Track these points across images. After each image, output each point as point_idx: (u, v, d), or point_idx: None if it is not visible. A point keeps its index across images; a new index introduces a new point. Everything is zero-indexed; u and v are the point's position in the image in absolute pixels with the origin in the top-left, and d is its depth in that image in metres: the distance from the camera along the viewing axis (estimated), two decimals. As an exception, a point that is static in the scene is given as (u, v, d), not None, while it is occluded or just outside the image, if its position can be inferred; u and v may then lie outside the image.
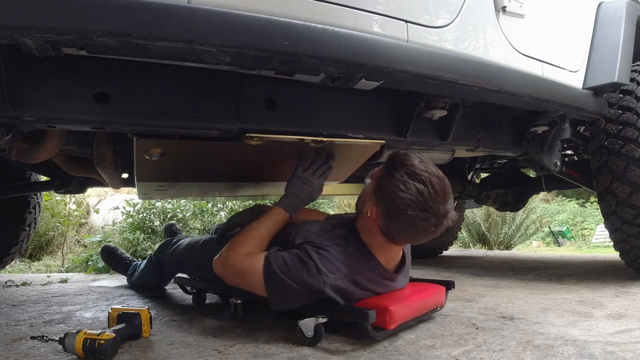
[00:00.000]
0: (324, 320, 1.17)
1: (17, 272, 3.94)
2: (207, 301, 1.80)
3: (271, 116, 1.12)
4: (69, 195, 4.97)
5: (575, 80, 1.67)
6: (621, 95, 1.89)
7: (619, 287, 1.93)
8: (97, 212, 6.06)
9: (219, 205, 4.85)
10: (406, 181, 1.11)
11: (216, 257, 1.30)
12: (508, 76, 1.32)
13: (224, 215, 4.83)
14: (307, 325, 1.16)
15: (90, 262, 3.68)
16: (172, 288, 2.09)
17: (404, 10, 1.12)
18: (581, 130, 2.28)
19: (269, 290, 1.19)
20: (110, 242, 4.32)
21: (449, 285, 1.49)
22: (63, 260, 4.60)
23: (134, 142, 1.07)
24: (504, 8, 1.38)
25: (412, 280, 1.59)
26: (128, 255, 2.38)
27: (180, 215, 4.50)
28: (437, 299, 1.43)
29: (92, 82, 0.92)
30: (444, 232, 1.20)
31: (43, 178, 2.28)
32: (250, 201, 4.73)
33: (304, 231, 1.30)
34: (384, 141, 1.33)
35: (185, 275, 1.80)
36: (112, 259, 2.34)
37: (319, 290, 1.15)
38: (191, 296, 1.79)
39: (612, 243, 2.10)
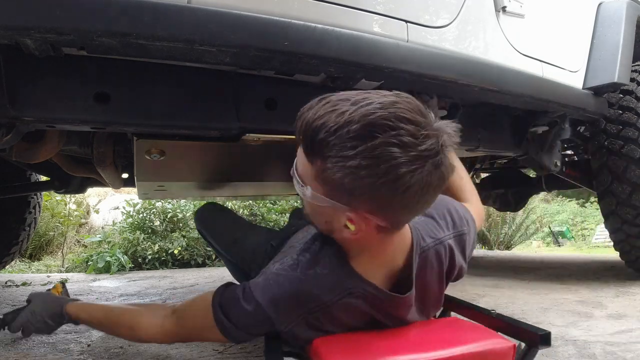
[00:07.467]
0: None
1: (17, 272, 3.94)
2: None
3: (271, 116, 1.12)
4: (69, 195, 4.96)
5: (575, 80, 1.67)
6: (621, 95, 1.89)
7: (619, 287, 1.93)
8: (97, 212, 6.05)
9: (218, 205, 4.84)
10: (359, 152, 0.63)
11: None
12: (508, 76, 1.32)
13: (223, 215, 4.81)
14: None
15: (90, 262, 3.68)
16: (171, 288, 2.08)
17: (404, 10, 1.12)
18: (581, 130, 2.27)
19: None
20: (111, 242, 4.29)
21: (536, 341, 0.77)
22: (63, 260, 4.60)
23: (134, 142, 1.08)
24: (504, 8, 1.38)
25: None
26: None
27: (180, 215, 4.49)
28: None
29: (92, 82, 0.92)
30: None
31: (43, 178, 2.28)
32: (250, 201, 4.72)
33: None
34: (384, 141, 1.33)
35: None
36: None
37: None
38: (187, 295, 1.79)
39: (612, 243, 2.10)
